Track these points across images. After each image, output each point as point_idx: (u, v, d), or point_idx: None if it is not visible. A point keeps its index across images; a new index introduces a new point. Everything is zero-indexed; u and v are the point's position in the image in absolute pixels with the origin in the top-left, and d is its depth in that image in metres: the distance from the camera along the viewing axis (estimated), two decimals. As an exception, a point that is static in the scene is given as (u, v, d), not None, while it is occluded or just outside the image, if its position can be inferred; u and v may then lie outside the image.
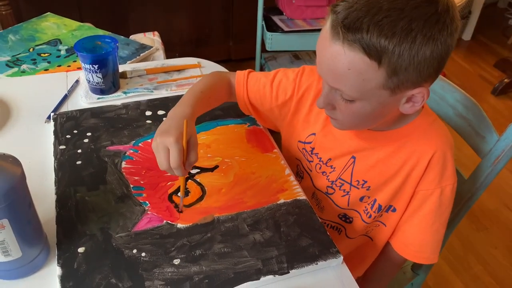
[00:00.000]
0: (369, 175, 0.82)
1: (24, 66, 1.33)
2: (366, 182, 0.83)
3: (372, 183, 0.82)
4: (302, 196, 0.80)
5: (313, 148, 0.88)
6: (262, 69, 2.30)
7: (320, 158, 0.87)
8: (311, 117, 0.88)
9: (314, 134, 0.88)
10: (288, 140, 0.95)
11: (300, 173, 0.94)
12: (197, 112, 0.80)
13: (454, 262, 1.66)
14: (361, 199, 0.85)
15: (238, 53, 2.65)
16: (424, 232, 0.82)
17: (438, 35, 0.62)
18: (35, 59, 1.38)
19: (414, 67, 0.63)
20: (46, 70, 1.33)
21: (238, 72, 0.93)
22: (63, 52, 1.42)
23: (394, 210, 0.84)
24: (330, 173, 0.87)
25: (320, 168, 0.88)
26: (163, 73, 1.12)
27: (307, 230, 0.74)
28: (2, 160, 0.59)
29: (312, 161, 0.89)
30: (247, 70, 0.93)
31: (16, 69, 1.32)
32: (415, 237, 0.83)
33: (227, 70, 1.11)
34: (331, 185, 0.87)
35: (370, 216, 0.85)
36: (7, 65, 1.34)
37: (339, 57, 0.64)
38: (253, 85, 0.91)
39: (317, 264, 0.69)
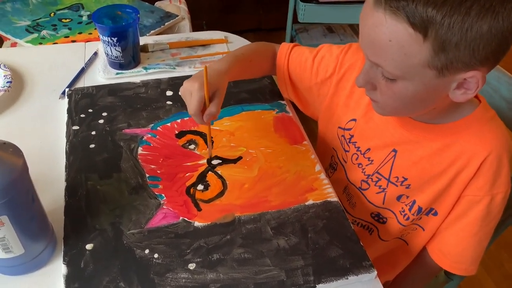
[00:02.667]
0: (410, 172, 0.74)
1: (44, 32, 1.27)
2: (406, 180, 0.74)
3: (413, 181, 0.74)
4: (334, 198, 0.72)
5: (352, 136, 0.80)
6: (292, 41, 2.18)
7: (358, 147, 0.79)
8: (352, 100, 0.79)
9: (354, 120, 0.79)
10: (326, 126, 0.86)
11: (334, 164, 0.86)
12: (234, 71, 0.77)
13: (485, 258, 1.56)
14: (399, 198, 0.77)
15: (268, 22, 2.53)
16: (466, 241, 0.74)
17: (500, 7, 0.52)
18: (55, 25, 1.31)
19: (466, 44, 0.54)
20: (66, 37, 1.27)
21: (283, 43, 0.88)
22: (84, 18, 1.35)
23: (436, 214, 0.75)
24: (366, 165, 0.78)
25: (357, 159, 0.80)
26: (187, 48, 1.03)
27: (337, 238, 0.66)
28: (1, 151, 0.53)
29: (348, 151, 0.81)
30: (294, 43, 0.87)
31: (36, 34, 1.27)
32: (455, 246, 0.75)
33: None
34: (366, 179, 0.79)
35: (407, 219, 0.77)
36: (27, 30, 1.28)
37: (380, 27, 0.56)
38: (295, 58, 0.85)
39: (347, 278, 0.62)
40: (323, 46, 0.84)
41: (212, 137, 0.80)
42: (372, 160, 0.77)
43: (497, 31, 0.53)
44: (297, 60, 0.85)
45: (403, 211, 0.77)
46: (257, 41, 0.89)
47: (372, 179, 0.78)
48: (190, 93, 0.69)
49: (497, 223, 0.74)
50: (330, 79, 0.81)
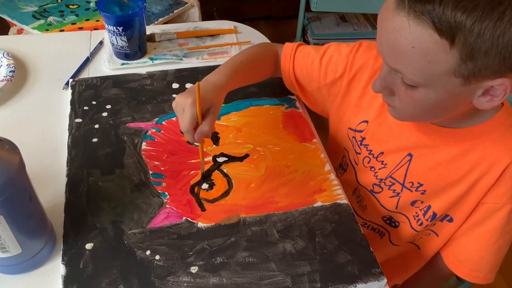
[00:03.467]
0: (426, 178, 0.70)
1: (50, 19, 1.25)
2: (422, 186, 0.71)
3: (429, 188, 0.71)
4: (343, 200, 0.69)
5: (363, 138, 0.76)
6: (304, 29, 2.13)
7: (370, 150, 0.76)
8: (364, 101, 0.76)
9: (366, 121, 0.76)
10: (336, 127, 0.83)
11: (344, 165, 0.83)
12: (232, 83, 0.72)
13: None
14: (413, 203, 0.73)
15: (279, 10, 2.48)
16: (484, 250, 0.71)
17: None
18: (62, 11, 1.29)
19: (497, 51, 0.50)
20: (73, 24, 1.24)
21: (287, 44, 0.83)
22: (92, 5, 1.32)
23: (451, 220, 0.72)
24: (379, 169, 0.75)
25: (369, 162, 0.76)
26: (194, 38, 1.00)
27: (346, 243, 0.63)
28: (-3, 148, 0.51)
29: (360, 153, 0.78)
30: (298, 43, 0.82)
31: (42, 21, 1.24)
32: (473, 254, 0.72)
33: (268, 40, 0.99)
34: (379, 183, 0.76)
35: (421, 224, 0.74)
36: (33, 16, 1.26)
37: (402, 32, 0.52)
38: (300, 60, 0.80)
39: (355, 286, 0.59)
40: (330, 45, 0.79)
41: (218, 133, 0.78)
42: (385, 164, 0.74)
43: None
44: (303, 62, 0.80)
45: (417, 216, 0.74)
46: (261, 41, 0.86)
47: (385, 183, 0.75)
48: (183, 109, 0.64)
49: None
50: (340, 80, 0.77)
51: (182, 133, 0.66)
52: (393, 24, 0.53)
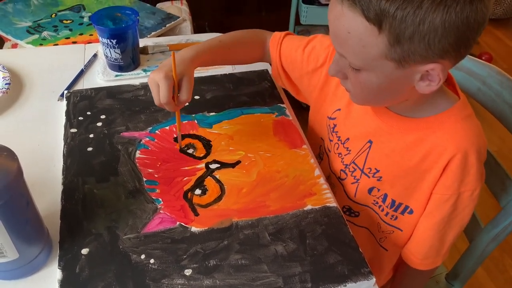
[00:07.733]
0: (382, 164, 0.73)
1: (45, 33, 1.27)
2: (378, 172, 0.74)
3: (385, 174, 0.73)
4: (333, 203, 0.71)
5: (335, 125, 0.80)
6: (295, 42, 2.17)
7: (339, 137, 0.80)
8: (340, 90, 0.79)
9: (339, 109, 0.80)
10: (315, 117, 0.86)
11: (321, 154, 0.87)
12: (202, 59, 0.78)
13: (488, 263, 1.55)
14: (370, 190, 0.76)
15: (270, 24, 2.50)
16: (432, 240, 0.73)
17: (452, 2, 0.52)
18: (56, 26, 1.31)
19: (420, 37, 0.54)
20: (67, 38, 1.27)
21: (275, 32, 0.88)
22: (85, 19, 1.35)
23: (411, 212, 0.74)
24: (345, 155, 0.78)
25: (337, 148, 0.80)
26: (187, 50, 1.03)
27: (336, 244, 0.65)
28: (-5, 155, 0.53)
29: (332, 141, 0.82)
30: (285, 32, 0.87)
31: (36, 36, 1.27)
32: (423, 245, 0.74)
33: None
34: (344, 169, 0.79)
35: (383, 210, 0.76)
36: (27, 31, 1.28)
37: (340, 19, 0.58)
38: (286, 47, 0.85)
39: (345, 286, 0.61)
40: (315, 36, 0.83)
41: (210, 141, 0.80)
42: (350, 150, 0.77)
43: (451, 25, 0.53)
44: (288, 50, 0.85)
45: (377, 204, 0.77)
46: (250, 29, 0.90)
47: (349, 169, 0.78)
48: (157, 84, 0.69)
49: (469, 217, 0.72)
50: (320, 69, 0.81)
51: (159, 106, 0.72)
52: (334, 13, 0.59)
